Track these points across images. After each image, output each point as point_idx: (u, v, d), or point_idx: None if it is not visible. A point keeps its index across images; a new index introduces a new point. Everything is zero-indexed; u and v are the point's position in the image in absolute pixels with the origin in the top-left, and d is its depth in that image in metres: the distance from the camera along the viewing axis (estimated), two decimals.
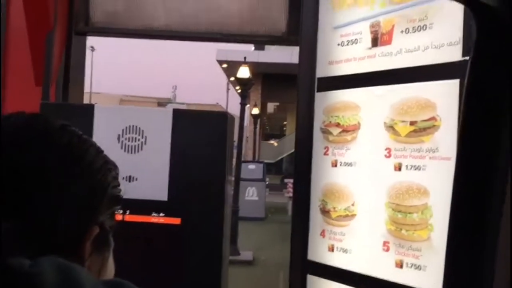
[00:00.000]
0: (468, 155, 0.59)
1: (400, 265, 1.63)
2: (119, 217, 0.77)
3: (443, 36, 1.55)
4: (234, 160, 9.10)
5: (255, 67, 17.79)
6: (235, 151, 9.02)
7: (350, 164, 1.83)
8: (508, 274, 0.52)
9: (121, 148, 1.98)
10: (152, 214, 1.96)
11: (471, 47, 1.51)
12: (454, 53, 1.52)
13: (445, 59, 1.54)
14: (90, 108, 2.01)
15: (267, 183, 14.23)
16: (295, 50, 2.17)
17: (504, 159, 0.51)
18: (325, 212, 1.91)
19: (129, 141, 1.99)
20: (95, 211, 0.67)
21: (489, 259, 0.55)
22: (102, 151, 0.71)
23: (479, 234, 0.56)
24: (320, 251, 1.92)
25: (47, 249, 0.58)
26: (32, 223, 0.60)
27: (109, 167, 0.71)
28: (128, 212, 1.92)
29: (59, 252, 0.58)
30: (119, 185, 0.73)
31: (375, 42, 1.77)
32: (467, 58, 1.49)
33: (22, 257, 0.54)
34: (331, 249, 1.87)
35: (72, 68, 2.58)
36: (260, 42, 2.59)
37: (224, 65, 22.76)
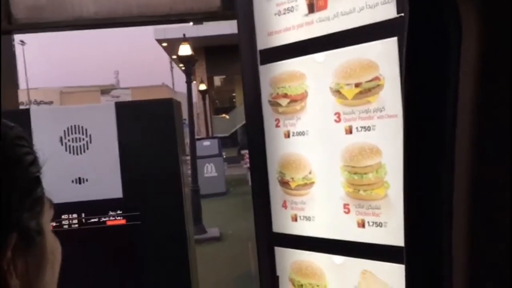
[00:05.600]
0: (414, 111, 0.59)
1: (362, 224, 1.67)
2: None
3: None
4: (187, 139, 9.01)
5: (196, 42, 17.48)
6: (187, 130, 8.92)
7: (302, 133, 1.84)
8: (465, 223, 0.53)
9: (66, 150, 1.90)
10: (109, 213, 1.91)
11: (404, 4, 1.53)
12: (388, 11, 1.53)
13: (380, 18, 1.55)
14: (26, 113, 1.91)
15: (224, 157, 14.23)
16: (235, 20, 2.12)
17: (451, 111, 0.51)
18: (284, 183, 1.92)
19: (73, 142, 1.90)
20: (8, 212, 0.53)
21: (446, 212, 0.55)
22: (11, 126, 0.56)
23: (433, 187, 0.57)
24: (284, 222, 1.93)
25: None
26: None
27: (19, 143, 0.56)
28: (83, 215, 1.87)
29: None
30: (35, 160, 0.57)
31: (311, 8, 1.75)
32: (402, 14, 1.50)
33: None
34: (295, 218, 1.89)
35: (2, 70, 2.43)
36: (195, 19, 2.51)
37: (164, 44, 22.25)
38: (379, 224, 1.61)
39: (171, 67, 39.56)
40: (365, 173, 1.64)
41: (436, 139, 0.55)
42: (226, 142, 22.28)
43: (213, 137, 15.93)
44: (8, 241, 0.54)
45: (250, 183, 2.20)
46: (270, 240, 1.98)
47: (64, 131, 1.92)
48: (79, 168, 1.90)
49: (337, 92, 1.69)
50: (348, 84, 1.66)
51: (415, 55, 0.55)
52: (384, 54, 1.55)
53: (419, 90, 0.55)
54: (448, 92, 0.51)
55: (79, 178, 1.91)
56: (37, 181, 0.58)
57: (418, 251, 0.59)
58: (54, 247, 0.62)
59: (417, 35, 0.52)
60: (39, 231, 0.59)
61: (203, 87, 22.94)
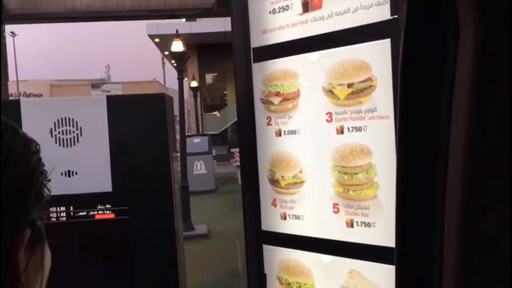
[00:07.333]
0: (409, 112, 0.59)
1: (351, 224, 1.68)
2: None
3: None
4: (178, 135, 8.98)
5: (188, 38, 17.41)
6: (178, 126, 8.89)
7: (293, 132, 1.84)
8: (456, 223, 0.53)
9: (56, 142, 1.88)
10: (98, 207, 1.89)
11: (398, 6, 1.53)
12: (383, 13, 1.53)
13: (375, 19, 1.56)
14: (16, 104, 1.89)
15: (213, 154, 14.21)
16: (228, 18, 2.12)
17: (446, 112, 0.52)
18: (274, 181, 1.92)
19: (63, 134, 1.89)
20: (25, 211, 0.56)
21: (438, 213, 0.56)
22: (17, 130, 0.58)
23: (426, 188, 0.57)
24: (273, 220, 1.94)
25: None
26: None
27: (32, 149, 0.59)
28: (71, 208, 1.85)
29: None
30: (44, 166, 0.60)
31: (306, 7, 1.76)
32: (396, 16, 1.51)
33: None
34: (284, 217, 1.89)
35: None
36: (189, 15, 2.49)
37: (157, 40, 22.15)
38: (368, 224, 1.62)
39: (163, 63, 39.36)
40: (355, 173, 1.65)
41: (430, 140, 0.55)
42: (216, 140, 22.25)
43: (203, 135, 15.89)
44: (24, 236, 0.55)
45: (239, 181, 2.19)
46: (258, 238, 1.98)
47: (55, 123, 1.90)
48: (68, 160, 1.88)
49: (330, 92, 1.70)
50: (340, 84, 1.66)
51: (411, 56, 0.55)
52: (377, 56, 1.56)
53: (415, 91, 0.56)
54: (443, 94, 0.51)
55: (69, 171, 1.90)
56: (46, 186, 0.61)
57: (409, 252, 0.59)
58: (48, 257, 0.62)
59: (415, 35, 0.52)
60: (43, 233, 0.61)
61: (194, 84, 22.89)
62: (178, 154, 8.44)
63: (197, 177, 12.49)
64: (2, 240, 0.53)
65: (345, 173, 1.67)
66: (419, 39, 0.51)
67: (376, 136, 1.58)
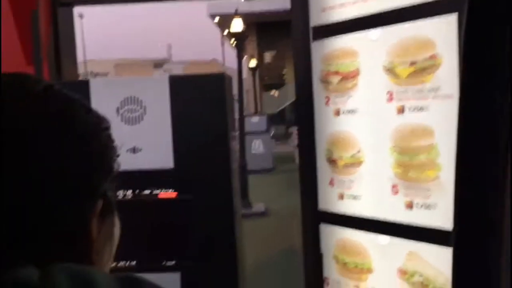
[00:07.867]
0: (471, 93, 0.58)
1: (410, 206, 1.65)
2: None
3: None
4: (237, 115, 9.08)
5: (248, 18, 17.42)
6: (236, 106, 8.99)
7: (352, 112, 1.82)
8: None
9: (121, 120, 1.98)
10: (161, 184, 1.98)
11: None
12: None
13: None
14: (85, 84, 2.00)
15: (271, 134, 14.26)
16: None
17: (509, 94, 0.50)
18: (332, 161, 1.92)
19: (128, 112, 1.98)
20: (97, 183, 0.60)
21: (498, 195, 0.54)
22: (90, 108, 0.63)
23: (487, 169, 0.56)
24: (330, 200, 1.94)
25: (46, 241, 0.54)
26: (24, 211, 0.52)
27: (104, 126, 0.63)
28: (137, 184, 1.95)
29: (61, 242, 0.54)
30: (114, 142, 0.64)
31: None
32: None
33: (25, 264, 0.50)
34: (341, 197, 1.89)
35: (62, 42, 2.53)
36: None
37: (216, 19, 22.33)
38: (428, 206, 1.59)
39: (223, 43, 39.67)
40: (416, 154, 1.61)
41: (492, 120, 0.53)
42: (274, 119, 22.27)
43: (261, 114, 15.96)
44: (97, 206, 0.60)
45: (296, 160, 2.20)
46: (315, 217, 1.99)
47: (121, 102, 2.00)
48: (134, 138, 1.98)
49: (391, 70, 1.65)
50: (402, 63, 1.62)
51: (475, 33, 0.54)
52: (443, 32, 1.50)
53: (478, 71, 0.54)
54: (507, 75, 0.50)
55: (134, 148, 1.99)
56: (117, 161, 0.65)
57: (467, 233, 0.58)
58: (117, 227, 0.67)
59: (478, 11, 0.51)
60: (113, 204, 0.65)
61: (253, 63, 22.94)
62: (237, 133, 8.56)
63: (255, 156, 12.62)
64: (78, 209, 0.58)
65: (405, 154, 1.64)
66: (483, 13, 0.49)
67: (439, 116, 1.53)
